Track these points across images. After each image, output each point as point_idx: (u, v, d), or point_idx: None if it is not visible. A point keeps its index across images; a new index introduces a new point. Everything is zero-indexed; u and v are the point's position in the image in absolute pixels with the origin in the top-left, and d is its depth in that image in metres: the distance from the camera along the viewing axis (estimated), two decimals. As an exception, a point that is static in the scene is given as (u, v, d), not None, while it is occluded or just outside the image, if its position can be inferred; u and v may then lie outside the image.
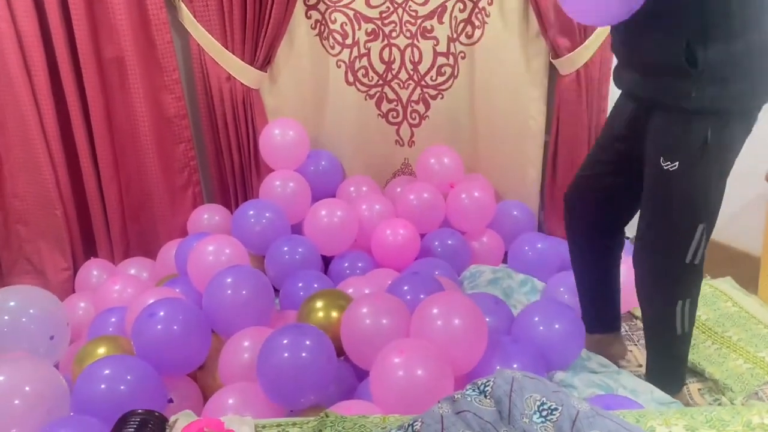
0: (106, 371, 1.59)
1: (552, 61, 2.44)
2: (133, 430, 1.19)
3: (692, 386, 1.90)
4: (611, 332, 1.97)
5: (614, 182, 1.72)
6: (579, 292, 1.94)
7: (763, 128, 2.25)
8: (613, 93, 2.47)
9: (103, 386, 1.56)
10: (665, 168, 1.50)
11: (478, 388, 1.05)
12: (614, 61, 1.65)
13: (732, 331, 2.02)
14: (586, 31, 2.35)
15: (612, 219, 1.81)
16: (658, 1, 1.34)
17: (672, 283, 1.63)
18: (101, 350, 1.80)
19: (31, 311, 1.84)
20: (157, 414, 1.25)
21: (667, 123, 1.49)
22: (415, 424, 1.03)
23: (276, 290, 2.23)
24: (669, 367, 1.78)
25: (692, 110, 1.43)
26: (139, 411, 1.24)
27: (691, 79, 1.39)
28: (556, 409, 1.01)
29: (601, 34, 2.37)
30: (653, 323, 1.74)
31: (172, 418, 1.25)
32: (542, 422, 1.00)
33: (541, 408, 1.01)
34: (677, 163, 1.48)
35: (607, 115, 1.78)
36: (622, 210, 1.78)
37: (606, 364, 1.94)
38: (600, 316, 1.95)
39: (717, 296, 2.18)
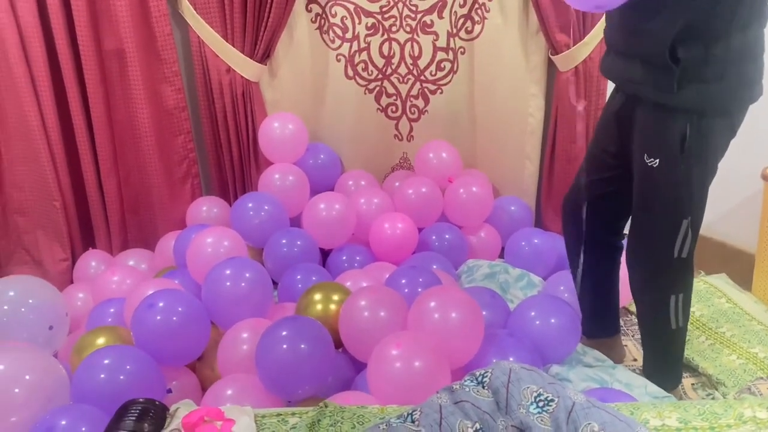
0: (106, 361, 1.60)
1: (551, 57, 2.45)
2: (134, 418, 1.20)
3: (686, 381, 1.92)
4: (611, 336, 1.98)
5: (609, 188, 1.73)
6: (578, 296, 1.94)
7: (760, 127, 2.27)
8: (612, 90, 2.49)
9: (102, 376, 1.57)
10: (648, 164, 1.51)
11: (476, 379, 1.06)
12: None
13: (725, 327, 2.04)
14: (585, 28, 2.36)
15: (609, 224, 1.81)
16: None
17: (662, 277, 1.65)
18: (100, 340, 1.81)
19: (30, 301, 1.85)
20: (158, 403, 1.26)
21: (649, 119, 1.50)
22: (414, 413, 1.04)
23: (274, 283, 2.24)
24: (665, 362, 1.80)
25: (671, 106, 1.44)
26: (140, 400, 1.26)
27: (674, 75, 1.39)
28: (552, 400, 1.02)
29: (600, 31, 2.38)
30: (648, 319, 1.76)
31: (172, 407, 1.26)
32: (539, 413, 1.01)
33: (537, 399, 1.03)
34: (658, 159, 1.49)
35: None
36: (620, 215, 1.78)
37: (601, 358, 1.96)
38: (600, 320, 1.95)
39: (711, 292, 2.20)
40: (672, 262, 1.60)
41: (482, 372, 1.07)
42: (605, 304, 1.93)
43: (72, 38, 2.36)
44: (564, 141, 2.52)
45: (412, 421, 1.02)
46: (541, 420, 1.01)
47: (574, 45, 2.37)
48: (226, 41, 2.46)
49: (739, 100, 1.47)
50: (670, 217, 1.55)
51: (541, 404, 1.02)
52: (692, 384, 1.92)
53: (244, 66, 2.49)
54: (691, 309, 2.12)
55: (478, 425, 1.01)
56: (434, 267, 2.20)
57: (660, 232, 1.59)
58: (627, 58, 1.51)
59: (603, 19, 2.35)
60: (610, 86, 2.47)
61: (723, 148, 1.52)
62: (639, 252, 1.66)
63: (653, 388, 1.76)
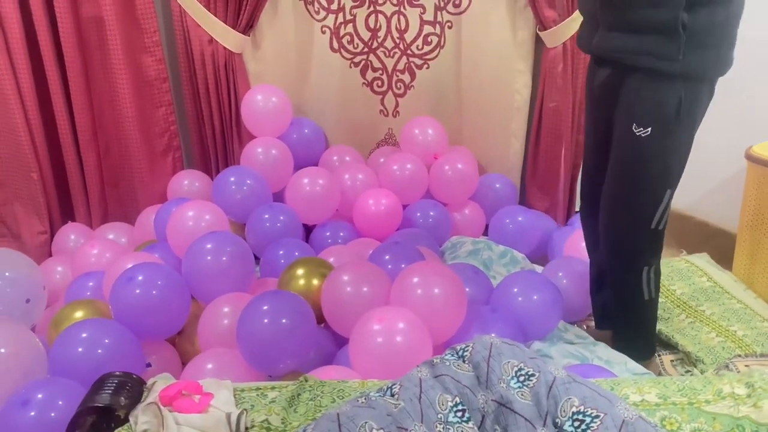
0: (84, 334, 1.58)
1: (539, 33, 2.43)
2: (110, 391, 1.18)
3: (665, 357, 1.94)
4: None
5: None
6: (591, 289, 1.94)
7: (744, 107, 2.28)
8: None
9: (80, 349, 1.56)
10: (637, 134, 1.50)
11: (457, 353, 1.06)
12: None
13: (705, 306, 2.05)
14: (573, 4, 2.33)
15: None
16: None
17: (636, 250, 1.65)
18: (78, 314, 1.79)
19: (7, 274, 1.82)
20: (134, 376, 1.24)
21: (644, 88, 1.49)
22: (393, 386, 1.03)
23: (257, 258, 2.22)
24: (640, 333, 1.82)
25: (673, 73, 1.44)
26: (117, 373, 1.24)
27: (679, 42, 1.39)
28: (533, 375, 1.02)
29: (589, 7, 2.35)
30: (620, 291, 1.76)
31: (150, 381, 1.24)
32: (519, 387, 1.01)
33: (518, 373, 1.02)
34: (650, 128, 1.49)
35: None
36: None
37: (583, 335, 1.97)
38: (611, 314, 1.94)
39: (692, 271, 2.22)
40: (648, 234, 1.61)
41: (463, 346, 1.07)
42: None
43: (48, 4, 2.29)
44: (550, 118, 2.51)
45: (392, 395, 1.02)
46: (522, 394, 1.01)
47: (562, 21, 2.35)
48: (208, 11, 2.40)
49: (727, 65, 1.49)
50: (655, 188, 1.56)
51: (521, 379, 1.02)
52: (671, 360, 1.93)
53: (227, 36, 2.44)
54: (672, 287, 2.14)
55: (458, 399, 1.01)
56: (418, 244, 2.19)
57: (642, 204, 1.59)
58: (621, 30, 1.49)
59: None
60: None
61: (703, 113, 1.54)
62: (617, 224, 1.66)
63: (633, 365, 1.77)
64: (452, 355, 1.06)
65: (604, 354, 1.83)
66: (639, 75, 1.49)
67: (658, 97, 1.47)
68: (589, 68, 1.69)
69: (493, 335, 1.47)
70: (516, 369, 1.03)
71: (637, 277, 1.68)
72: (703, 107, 1.52)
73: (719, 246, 2.38)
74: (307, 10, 2.52)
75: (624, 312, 1.80)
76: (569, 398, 1.01)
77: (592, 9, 1.56)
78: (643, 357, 1.82)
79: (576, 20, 2.35)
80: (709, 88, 1.50)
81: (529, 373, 1.02)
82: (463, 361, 1.05)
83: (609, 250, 1.71)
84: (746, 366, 1.76)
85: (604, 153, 1.67)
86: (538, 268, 2.28)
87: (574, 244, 2.22)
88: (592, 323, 2.05)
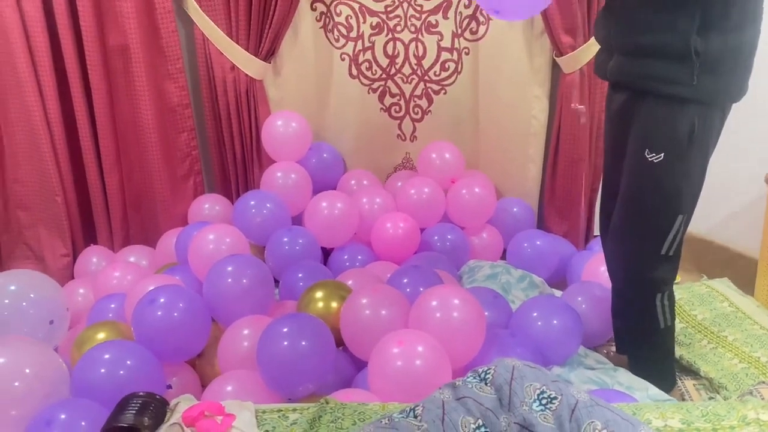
0: (106, 356, 1.60)
1: (555, 59, 2.45)
2: (135, 411, 1.20)
3: (687, 382, 1.91)
4: None
5: None
6: (613, 313, 1.89)
7: (762, 131, 2.27)
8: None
9: (103, 370, 1.57)
10: (649, 159, 1.51)
11: (479, 376, 1.06)
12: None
13: (728, 331, 2.03)
14: (589, 30, 2.36)
15: None
16: None
17: (648, 277, 1.63)
18: (101, 335, 1.81)
19: (32, 295, 1.85)
20: (158, 397, 1.26)
21: (657, 113, 1.50)
22: (416, 408, 1.04)
23: (276, 281, 2.24)
24: (659, 362, 1.78)
25: (686, 99, 1.44)
26: (141, 393, 1.25)
27: (692, 67, 1.40)
28: (555, 398, 1.02)
29: (605, 33, 2.37)
30: (635, 320, 1.73)
31: (173, 402, 1.26)
32: (542, 410, 1.01)
33: (540, 396, 1.02)
34: (662, 154, 1.49)
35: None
36: None
37: (603, 361, 1.95)
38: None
39: (713, 296, 2.19)
40: (659, 259, 1.60)
41: (485, 369, 1.07)
42: None
43: (76, 34, 2.36)
44: (567, 143, 2.52)
45: (415, 417, 1.02)
46: (544, 417, 1.00)
47: (579, 47, 2.37)
48: (231, 39, 2.46)
49: (742, 92, 1.49)
50: (666, 213, 1.55)
51: (544, 402, 1.01)
52: (694, 384, 1.91)
53: (249, 64, 2.49)
54: (693, 312, 2.12)
55: (480, 421, 1.00)
56: (436, 267, 2.19)
57: (651, 229, 1.58)
58: (636, 56, 1.50)
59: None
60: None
61: (717, 138, 1.54)
62: (626, 251, 1.65)
63: (654, 391, 1.75)
64: (474, 378, 1.06)
65: (625, 380, 1.81)
66: (652, 100, 1.50)
67: (671, 123, 1.48)
68: (607, 95, 1.70)
69: (514, 358, 1.47)
70: (538, 392, 1.02)
71: (650, 304, 1.66)
72: (716, 133, 1.52)
73: (740, 271, 2.36)
74: (327, 37, 2.57)
75: (639, 342, 1.77)
76: (592, 421, 1.00)
77: (607, 35, 1.58)
78: (666, 388, 1.78)
79: (593, 46, 2.37)
80: (721, 114, 1.50)
81: (552, 396, 1.02)
82: (486, 384, 1.05)
83: (620, 277, 1.70)
84: (771, 393, 1.73)
85: (620, 177, 1.67)
86: (557, 293, 2.26)
87: (594, 268, 2.21)
88: (613, 348, 2.03)
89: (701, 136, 1.47)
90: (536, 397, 1.02)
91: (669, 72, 1.44)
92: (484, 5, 1.51)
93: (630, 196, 1.60)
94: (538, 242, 2.44)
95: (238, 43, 2.46)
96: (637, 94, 1.54)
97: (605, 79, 1.66)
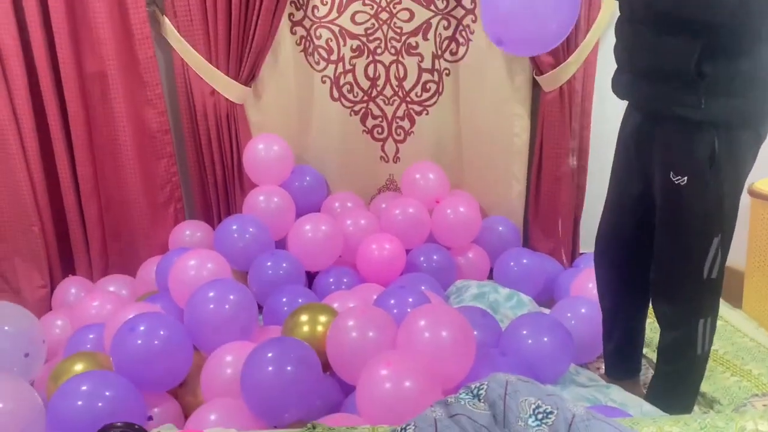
0: (84, 387, 1.54)
1: (535, 77, 2.46)
2: (111, 442, 1.14)
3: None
4: (633, 378, 1.92)
5: (637, 230, 1.68)
6: (604, 338, 1.89)
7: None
8: (597, 110, 2.50)
9: (80, 403, 1.51)
10: (675, 182, 1.48)
11: (472, 392, 1.02)
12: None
13: (718, 345, 2.01)
14: (569, 48, 2.38)
15: (641, 265, 1.72)
16: (676, 7, 1.35)
17: (691, 301, 1.59)
18: (78, 366, 1.74)
19: (6, 328, 1.80)
20: (137, 427, 1.20)
21: (673, 135, 1.48)
22: (407, 427, 1.00)
23: (259, 307, 2.19)
24: (684, 390, 1.71)
25: (698, 121, 1.42)
26: (118, 424, 1.20)
27: (698, 90, 1.39)
28: (551, 412, 0.99)
29: (584, 50, 2.40)
30: (672, 345, 1.67)
31: (153, 431, 1.20)
32: (538, 425, 0.97)
33: (536, 411, 0.99)
34: (686, 177, 1.47)
35: (617, 138, 1.72)
36: (650, 259, 1.68)
37: (595, 378, 1.93)
38: (625, 363, 1.90)
39: (702, 310, 2.18)
40: (702, 283, 1.56)
41: (477, 385, 1.03)
42: (632, 345, 1.88)
43: (53, 60, 2.33)
44: (550, 161, 2.52)
45: (406, 437, 0.98)
46: (540, 433, 0.97)
47: (558, 65, 2.39)
48: (210, 63, 2.44)
49: (765, 113, 1.46)
50: (700, 236, 1.52)
51: (539, 416, 0.98)
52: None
53: (229, 88, 2.47)
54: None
55: (475, 439, 0.97)
56: (423, 288, 2.16)
57: (689, 253, 1.54)
58: (648, 77, 1.50)
59: (587, 39, 2.38)
60: (596, 106, 2.51)
61: (752, 160, 1.50)
62: (667, 276, 1.61)
63: (648, 407, 1.72)
64: (467, 394, 1.03)
65: (618, 397, 1.79)
66: (668, 123, 1.49)
67: (688, 146, 1.46)
68: (624, 116, 1.68)
69: (507, 373, 1.43)
70: (534, 406, 0.99)
71: (692, 329, 1.61)
72: (747, 154, 1.48)
73: (727, 284, 2.33)
74: (308, 60, 2.57)
75: (670, 367, 1.71)
76: (589, 436, 0.97)
77: (623, 55, 1.57)
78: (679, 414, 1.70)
79: (572, 64, 2.40)
80: (754, 135, 1.46)
81: (548, 410, 0.99)
82: (479, 400, 1.01)
83: (663, 301, 1.65)
84: (764, 405, 1.71)
85: (632, 205, 1.65)
86: (545, 311, 2.24)
87: (581, 285, 2.19)
88: (602, 369, 2.00)
89: (726, 158, 1.44)
90: (532, 412, 0.99)
91: (679, 95, 1.43)
92: (488, 31, 1.49)
93: (664, 219, 1.57)
94: (525, 261, 2.43)
95: (218, 67, 2.45)
96: (653, 116, 1.53)
97: (621, 98, 1.64)
